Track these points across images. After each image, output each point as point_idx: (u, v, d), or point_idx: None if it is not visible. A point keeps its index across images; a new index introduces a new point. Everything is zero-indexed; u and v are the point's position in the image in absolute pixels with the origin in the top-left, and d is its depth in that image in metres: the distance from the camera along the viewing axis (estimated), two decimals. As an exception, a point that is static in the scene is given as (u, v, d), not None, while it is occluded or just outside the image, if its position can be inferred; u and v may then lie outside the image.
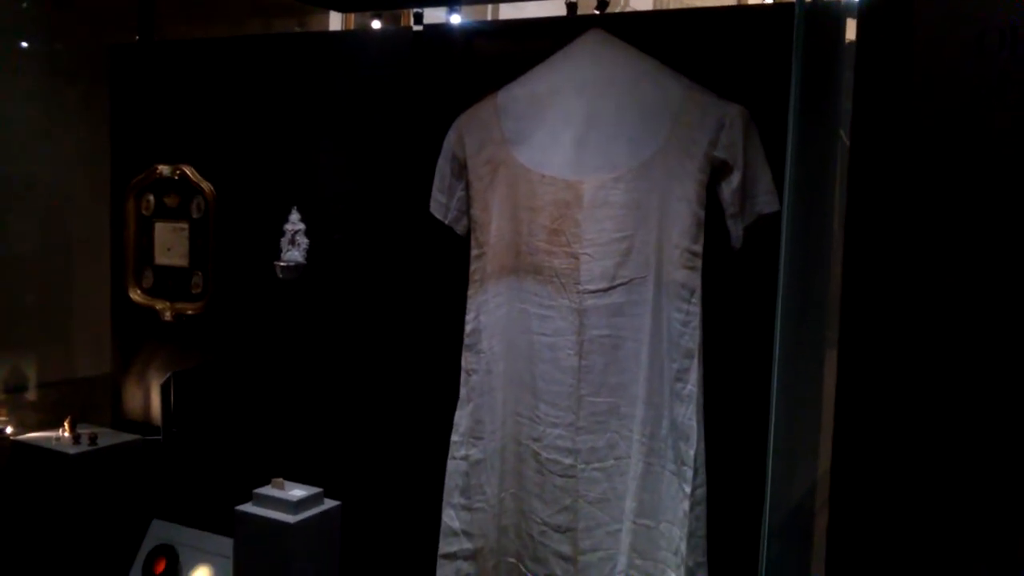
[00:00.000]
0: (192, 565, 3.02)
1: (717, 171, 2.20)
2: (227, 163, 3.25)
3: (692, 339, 2.22)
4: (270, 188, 3.11)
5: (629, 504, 2.30)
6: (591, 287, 2.33)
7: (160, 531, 3.16)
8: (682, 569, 2.18)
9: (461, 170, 2.53)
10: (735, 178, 2.18)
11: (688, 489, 2.19)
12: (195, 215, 3.33)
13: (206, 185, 3.28)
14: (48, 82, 3.57)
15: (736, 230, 2.21)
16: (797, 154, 1.91)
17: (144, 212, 3.48)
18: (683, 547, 2.18)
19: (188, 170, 3.32)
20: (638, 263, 2.29)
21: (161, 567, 3.04)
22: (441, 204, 2.58)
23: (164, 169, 3.38)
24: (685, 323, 2.22)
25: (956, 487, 1.88)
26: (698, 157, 2.19)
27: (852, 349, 2.17)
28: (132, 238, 3.50)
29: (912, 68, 1.93)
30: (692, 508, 2.19)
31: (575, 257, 2.34)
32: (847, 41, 2.20)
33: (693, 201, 2.20)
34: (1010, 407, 1.86)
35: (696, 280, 2.22)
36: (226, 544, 2.90)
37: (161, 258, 3.45)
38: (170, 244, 3.41)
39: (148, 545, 3.13)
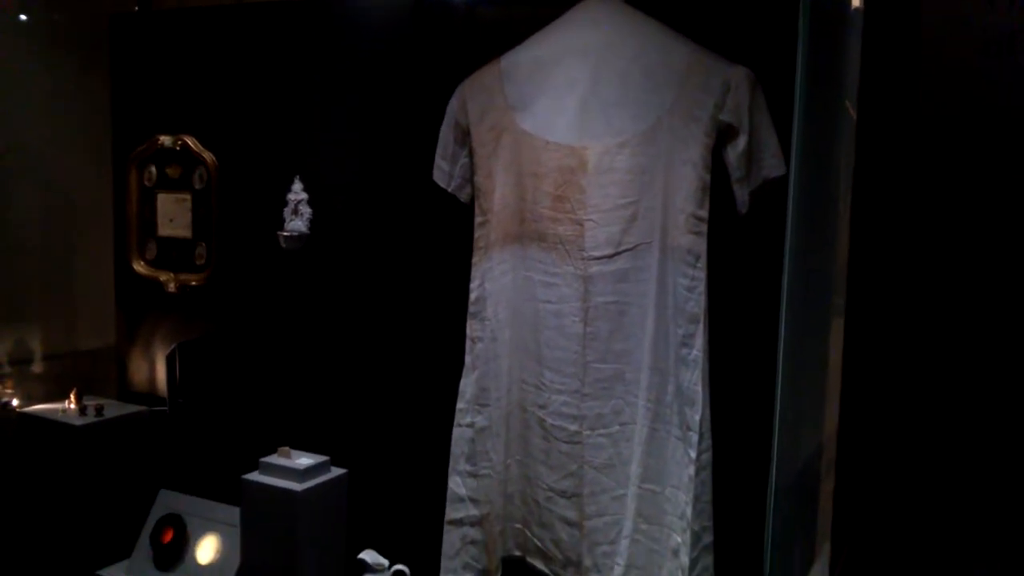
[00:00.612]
0: (200, 534, 3.03)
1: (723, 135, 2.18)
2: (229, 133, 3.23)
3: (697, 304, 2.21)
4: (273, 158, 3.09)
5: (635, 469, 2.31)
6: (596, 253, 2.32)
7: (167, 501, 3.17)
8: (688, 533, 2.18)
9: (464, 137, 2.51)
10: (741, 142, 2.16)
11: (694, 454, 2.19)
12: (197, 186, 3.32)
13: (208, 155, 3.27)
14: (47, 52, 3.54)
15: (742, 195, 2.20)
16: (804, 117, 1.89)
17: (146, 183, 3.47)
18: (689, 512, 2.19)
19: (190, 140, 3.30)
20: (643, 229, 2.28)
21: (169, 536, 3.05)
22: (444, 172, 2.57)
23: (166, 139, 3.36)
24: (690, 288, 2.22)
25: (961, 451, 1.88)
26: (704, 121, 2.17)
27: (859, 316, 2.17)
28: (134, 209, 3.50)
29: (919, 43, 1.92)
30: (698, 473, 2.19)
31: (580, 223, 2.33)
32: (854, 5, 2.18)
33: (699, 165, 2.18)
34: (1014, 373, 1.86)
35: (702, 245, 2.20)
36: (233, 513, 2.90)
37: (164, 229, 3.44)
38: (173, 215, 3.41)
39: (155, 515, 3.14)
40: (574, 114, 2.33)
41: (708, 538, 2.22)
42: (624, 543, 2.31)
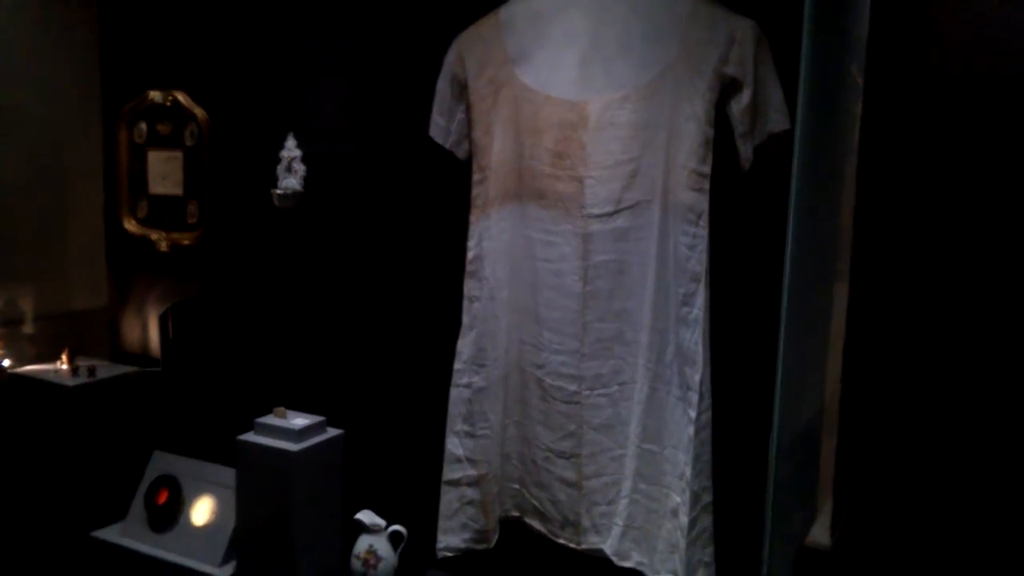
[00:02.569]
0: (194, 495, 3.02)
1: (727, 89, 2.13)
2: (221, 88, 3.17)
3: (699, 263, 2.17)
4: (266, 114, 3.03)
5: (634, 429, 2.28)
6: (596, 211, 2.28)
7: (162, 462, 3.15)
8: (687, 493, 2.17)
9: (461, 91, 2.45)
10: (745, 95, 2.11)
11: (694, 414, 2.17)
12: (189, 143, 3.26)
13: (199, 111, 3.20)
14: (35, 5, 3.45)
15: (746, 150, 2.15)
16: (811, 70, 1.85)
17: (137, 140, 3.41)
18: (688, 472, 2.17)
19: (181, 96, 3.24)
20: (644, 186, 2.23)
21: (163, 498, 3.03)
22: (441, 127, 2.51)
23: (156, 95, 3.30)
24: (692, 247, 2.18)
25: (964, 410, 1.87)
26: (707, 74, 2.12)
27: (864, 275, 2.14)
28: (125, 167, 3.44)
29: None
30: (697, 433, 2.17)
31: (580, 180, 2.29)
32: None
33: (702, 120, 2.13)
34: (1018, 332, 1.84)
35: (704, 202, 2.16)
36: (228, 474, 2.89)
37: (155, 187, 3.39)
38: (164, 173, 3.35)
39: (150, 476, 3.12)
40: (574, 68, 2.28)
41: (707, 498, 2.20)
42: (623, 503, 2.30)
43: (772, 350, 1.88)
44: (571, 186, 2.30)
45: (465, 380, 2.47)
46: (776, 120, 2.13)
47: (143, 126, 3.38)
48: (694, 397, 2.17)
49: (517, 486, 2.50)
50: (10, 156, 3.39)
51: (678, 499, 2.21)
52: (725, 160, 2.17)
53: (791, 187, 1.86)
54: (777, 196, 1.93)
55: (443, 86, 2.49)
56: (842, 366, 2.09)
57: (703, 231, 2.17)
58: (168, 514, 3.00)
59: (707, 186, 2.16)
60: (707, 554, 2.21)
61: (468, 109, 2.45)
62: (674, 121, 2.17)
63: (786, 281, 1.87)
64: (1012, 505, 1.85)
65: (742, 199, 2.23)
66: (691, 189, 2.16)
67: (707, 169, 2.15)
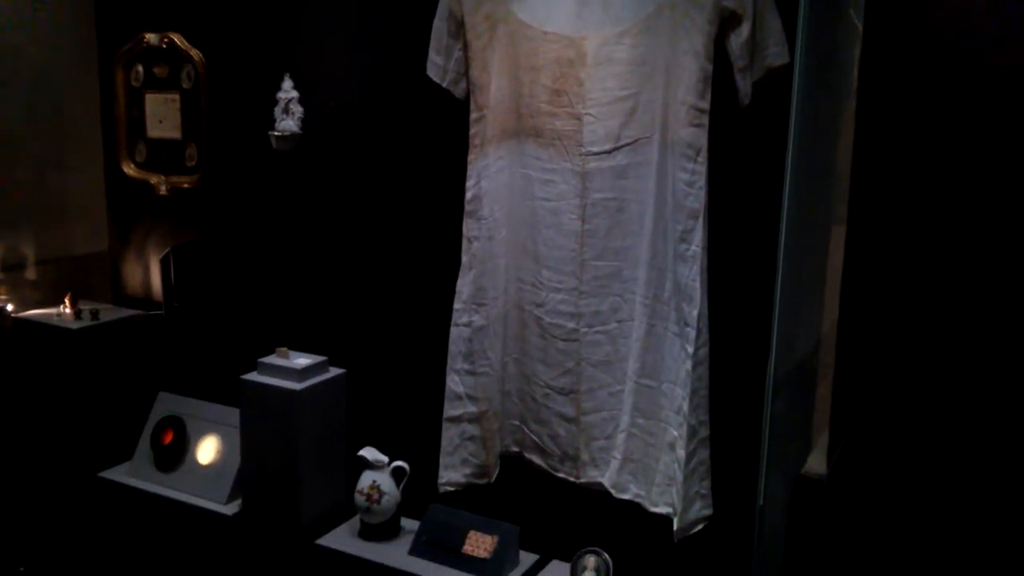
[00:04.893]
0: (199, 435, 3.06)
1: (725, 23, 2.11)
2: (216, 29, 3.14)
3: (697, 199, 2.18)
4: (262, 54, 3.01)
5: (632, 365, 2.31)
6: (594, 149, 2.28)
7: (166, 403, 3.19)
8: (684, 427, 2.20)
9: (458, 29, 2.43)
10: (744, 29, 2.09)
11: (691, 349, 2.19)
12: (186, 85, 3.24)
13: (195, 53, 3.18)
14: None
15: (745, 85, 2.14)
16: (810, 4, 1.83)
17: (133, 83, 3.39)
18: (685, 406, 2.20)
19: (176, 38, 3.21)
20: (643, 122, 2.23)
21: (169, 438, 3.08)
22: (438, 66, 2.50)
23: (151, 37, 3.27)
24: (690, 183, 2.18)
25: (961, 340, 1.88)
26: (707, 7, 2.10)
27: (862, 208, 2.14)
28: (122, 111, 3.43)
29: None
30: (694, 368, 2.20)
31: (578, 118, 2.28)
32: None
33: (701, 55, 2.12)
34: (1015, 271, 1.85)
35: (703, 138, 2.16)
36: (232, 414, 2.92)
37: (153, 131, 3.37)
38: (162, 116, 3.34)
39: (155, 417, 3.16)
40: (572, 3, 2.26)
41: (704, 432, 2.24)
42: (621, 437, 2.33)
43: (770, 285, 1.89)
44: (569, 124, 2.30)
45: (465, 319, 2.49)
46: (775, 54, 2.12)
47: (139, 69, 3.36)
48: (691, 333, 2.20)
49: (517, 422, 2.53)
50: (7, 102, 3.38)
51: (675, 433, 2.24)
52: (724, 95, 2.16)
53: (790, 123, 1.86)
54: (776, 132, 1.93)
55: (440, 24, 2.46)
56: (839, 298, 2.11)
57: (702, 167, 2.17)
58: (174, 454, 3.04)
59: (706, 122, 2.16)
60: (704, 486, 2.25)
61: (465, 47, 2.43)
62: (673, 56, 2.16)
63: (784, 217, 1.88)
64: (1007, 434, 1.87)
65: (741, 135, 2.22)
66: (690, 125, 2.16)
67: (706, 105, 2.15)
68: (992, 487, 1.86)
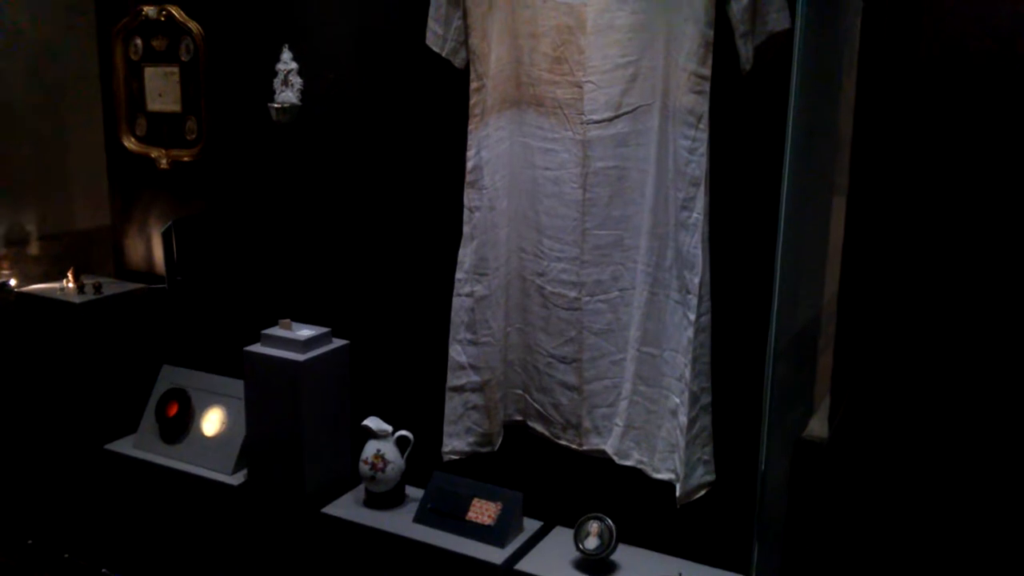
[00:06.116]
0: (204, 407, 3.08)
1: (726, -13, 2.10)
2: (215, 1, 3.12)
3: (699, 166, 2.17)
4: (261, 26, 2.99)
5: (634, 333, 2.32)
6: (595, 117, 2.27)
7: (171, 376, 3.21)
8: (686, 394, 2.21)
9: (458, -4, 2.42)
10: (746, -6, 2.08)
11: (692, 316, 2.20)
12: (184, 58, 3.23)
13: (194, 25, 3.17)
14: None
15: (746, 51, 2.12)
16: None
17: (132, 57, 3.38)
18: (687, 373, 2.21)
19: (174, 10, 3.20)
20: (644, 90, 2.22)
21: (174, 410, 3.09)
22: (438, 35, 2.48)
23: (149, 10, 3.25)
24: (692, 150, 2.18)
25: (962, 304, 1.89)
26: (707, -28, 2.09)
27: (862, 190, 2.14)
28: (122, 85, 3.42)
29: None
30: (696, 335, 2.20)
31: (579, 86, 2.28)
32: None
33: (701, 21, 2.10)
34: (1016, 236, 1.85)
35: (704, 105, 2.15)
36: (237, 385, 2.94)
37: (153, 104, 3.37)
38: (161, 89, 3.33)
39: (159, 390, 3.18)
40: (571, -31, 2.25)
41: (706, 399, 2.25)
42: (623, 405, 2.34)
43: (771, 252, 1.90)
44: (570, 92, 2.29)
45: (467, 289, 2.50)
46: (776, 19, 2.10)
47: (138, 42, 3.35)
48: (693, 300, 2.20)
49: (520, 391, 2.55)
50: (7, 76, 3.37)
51: (677, 400, 2.25)
52: (725, 61, 2.15)
53: (791, 89, 1.85)
54: (777, 98, 1.92)
55: (439, -9, 2.45)
56: (841, 263, 2.11)
57: (703, 134, 2.17)
58: (179, 426, 3.07)
59: (707, 88, 2.15)
60: (706, 452, 2.26)
61: (464, 15, 2.41)
62: (673, 22, 2.15)
63: (785, 184, 1.88)
64: (1003, 397, 1.89)
65: (742, 102, 2.22)
66: (691, 92, 2.15)
67: (707, 71, 2.14)
68: (988, 448, 1.87)
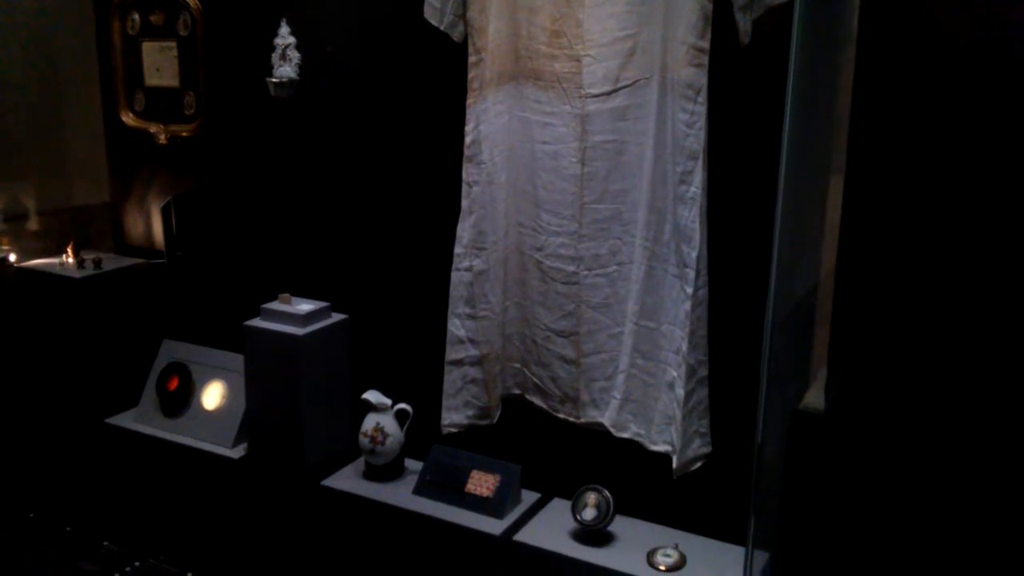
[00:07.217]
0: (204, 381, 3.10)
1: (725, -41, 2.10)
2: (211, -26, 3.11)
3: (697, 140, 2.17)
4: (258, 0, 2.98)
5: (631, 307, 2.33)
6: (594, 91, 2.27)
7: (171, 350, 3.22)
8: (683, 367, 2.22)
9: (456, -31, 2.41)
10: (744, -35, 2.08)
11: (690, 290, 2.21)
12: (182, 32, 3.22)
13: (191, -1, 3.16)
14: None
15: (744, 24, 2.12)
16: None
17: (130, 32, 3.37)
18: (684, 346, 2.22)
19: (171, -17, 3.19)
20: (642, 63, 2.22)
21: (174, 384, 3.11)
22: (436, 8, 2.48)
23: (147, -16, 3.24)
24: (690, 124, 2.18)
25: (958, 278, 1.90)
26: (706, -55, 2.08)
27: (860, 169, 2.14)
28: (119, 60, 3.41)
29: None
30: (693, 309, 2.21)
31: (577, 59, 2.27)
32: None
33: (700, -7, 2.10)
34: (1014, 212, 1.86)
35: (702, 78, 2.15)
36: (237, 359, 2.96)
37: (151, 79, 3.36)
38: (159, 64, 3.32)
39: (160, 364, 3.20)
40: (569, -59, 2.24)
41: (703, 372, 2.26)
42: (620, 378, 2.36)
43: (769, 226, 1.90)
44: (568, 65, 2.29)
45: (466, 264, 2.51)
46: (775, -8, 2.10)
47: (135, 17, 3.33)
48: (690, 274, 2.21)
49: (518, 365, 2.56)
50: (4, 52, 3.36)
51: (674, 373, 2.27)
52: (724, 35, 2.15)
53: (790, 62, 1.85)
54: (776, 72, 1.92)
55: (436, -36, 2.44)
56: (838, 236, 2.12)
57: (702, 108, 2.17)
58: (179, 400, 3.08)
59: (706, 62, 2.15)
60: (703, 425, 2.28)
61: (463, -12, 2.41)
62: (672, -6, 2.14)
63: (784, 158, 1.88)
64: (996, 368, 1.90)
65: (741, 75, 2.21)
66: (690, 65, 2.15)
67: (706, 44, 2.13)
68: (982, 420, 1.89)
